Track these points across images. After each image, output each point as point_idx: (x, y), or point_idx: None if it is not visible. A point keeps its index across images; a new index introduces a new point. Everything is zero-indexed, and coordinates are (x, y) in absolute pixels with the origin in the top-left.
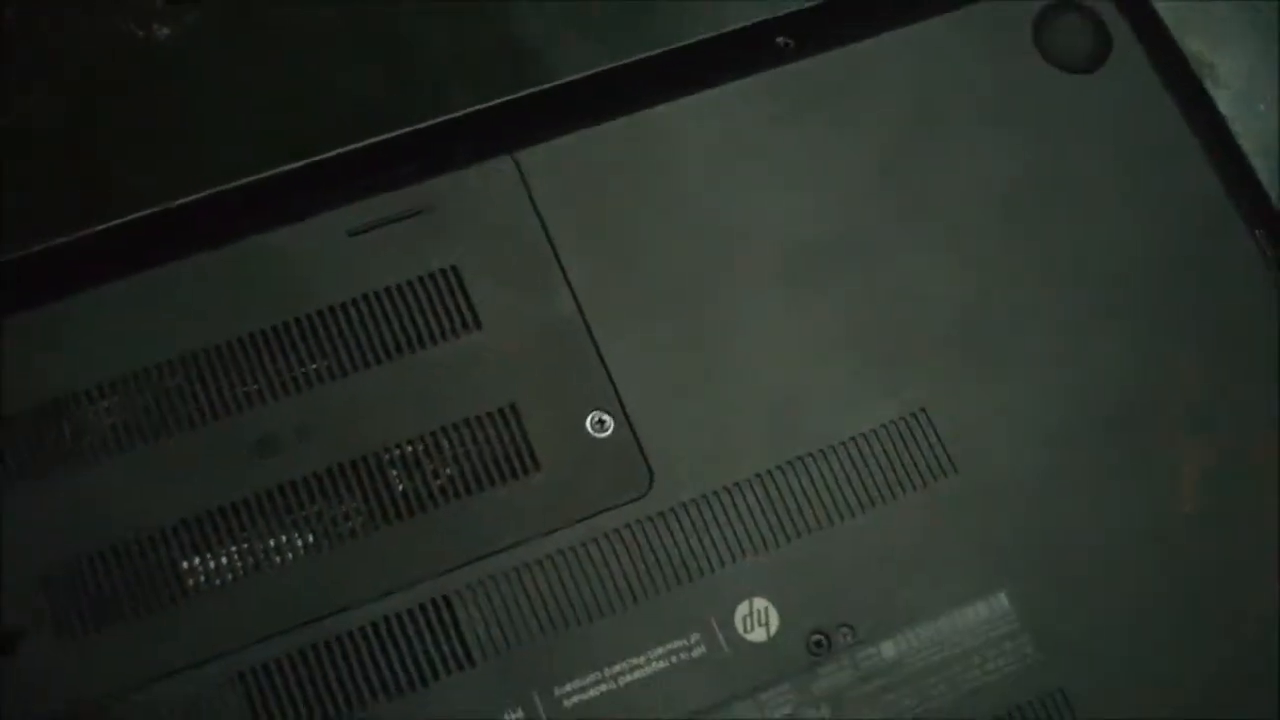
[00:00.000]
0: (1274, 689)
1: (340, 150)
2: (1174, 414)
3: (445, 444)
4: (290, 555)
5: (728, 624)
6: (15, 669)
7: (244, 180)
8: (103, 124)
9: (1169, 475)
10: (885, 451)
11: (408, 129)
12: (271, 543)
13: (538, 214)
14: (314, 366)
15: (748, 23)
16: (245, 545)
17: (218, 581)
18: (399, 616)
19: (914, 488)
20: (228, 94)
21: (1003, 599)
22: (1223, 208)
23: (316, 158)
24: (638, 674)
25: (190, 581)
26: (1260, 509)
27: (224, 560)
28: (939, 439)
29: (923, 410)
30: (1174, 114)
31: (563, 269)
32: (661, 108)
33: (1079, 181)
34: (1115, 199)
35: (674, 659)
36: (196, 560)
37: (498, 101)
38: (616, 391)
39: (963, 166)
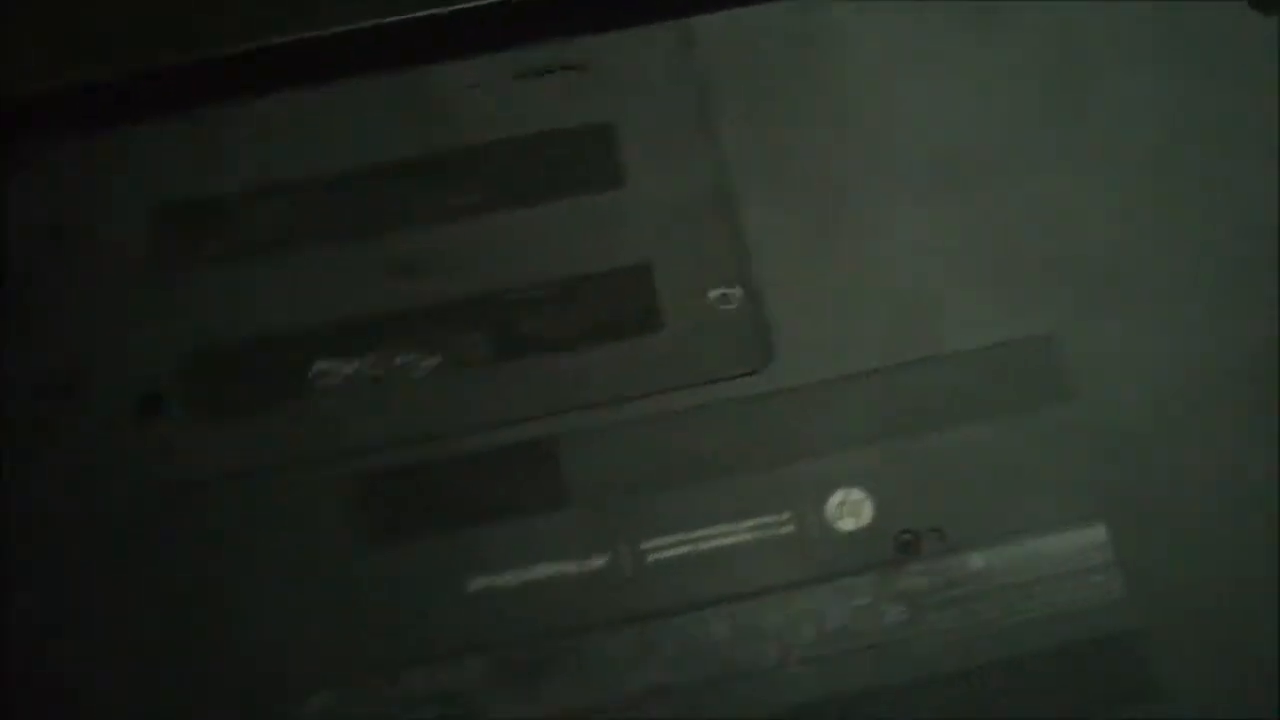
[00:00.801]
0: None
1: None
2: None
3: (574, 293)
4: (413, 375)
5: (820, 509)
6: (149, 434)
7: (422, 13)
8: None
9: None
10: (1005, 369)
11: None
12: (398, 360)
13: (699, 83)
14: (461, 201)
15: None
16: (374, 358)
17: (344, 389)
18: (505, 450)
19: (1027, 409)
20: None
21: (1101, 531)
22: None
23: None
24: (723, 542)
25: (320, 384)
26: None
27: (353, 370)
28: (1062, 365)
29: (1050, 334)
30: None
31: (715, 140)
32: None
33: (1249, 122)
34: None
35: (761, 534)
36: (327, 365)
37: None
38: (749, 267)
39: (1128, 92)
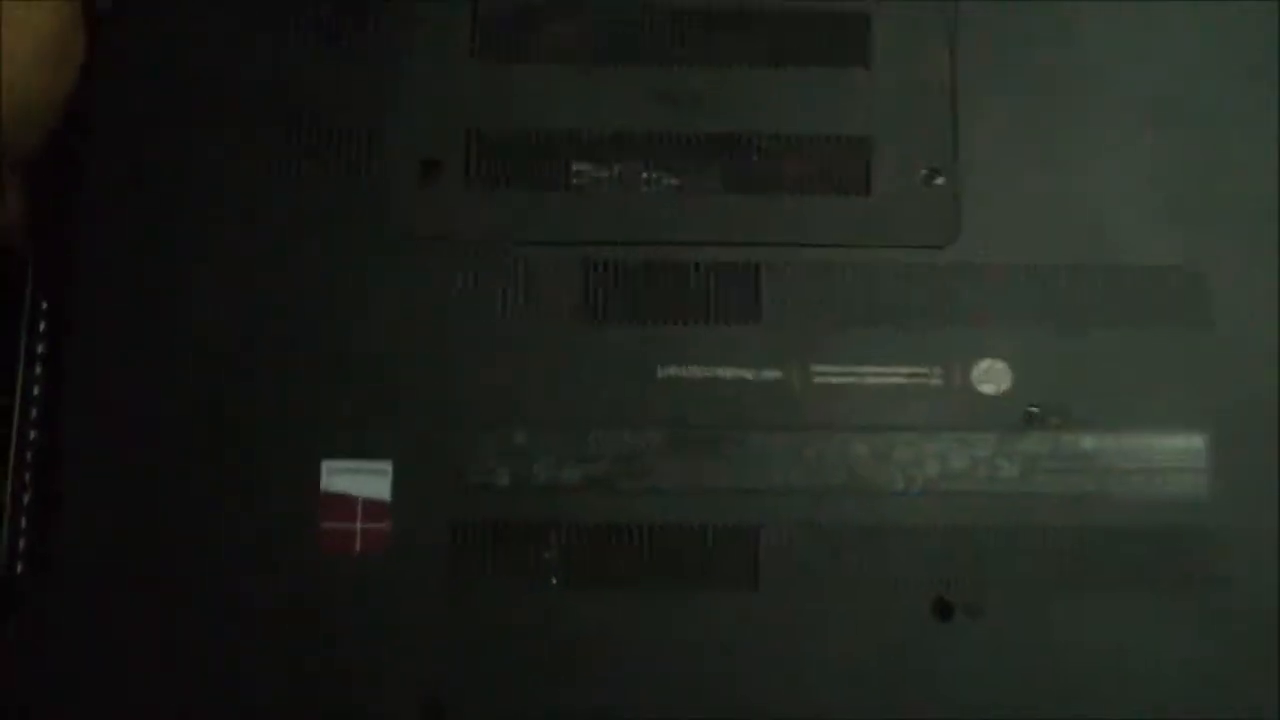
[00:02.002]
0: None
1: None
2: None
3: (804, 148)
4: (655, 189)
5: (967, 371)
6: (430, 194)
7: None
8: None
9: None
10: (1161, 290)
11: None
12: (644, 175)
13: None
14: (730, 54)
15: None
16: (625, 169)
17: (594, 185)
18: (718, 265)
19: (1163, 327)
20: None
21: (1199, 440)
22: None
23: None
24: (880, 380)
25: (575, 180)
26: None
27: (605, 174)
28: (1209, 296)
29: (1204, 269)
30: None
31: (955, 46)
32: None
33: None
34: None
35: (913, 381)
36: (586, 165)
37: None
38: (957, 158)
39: None
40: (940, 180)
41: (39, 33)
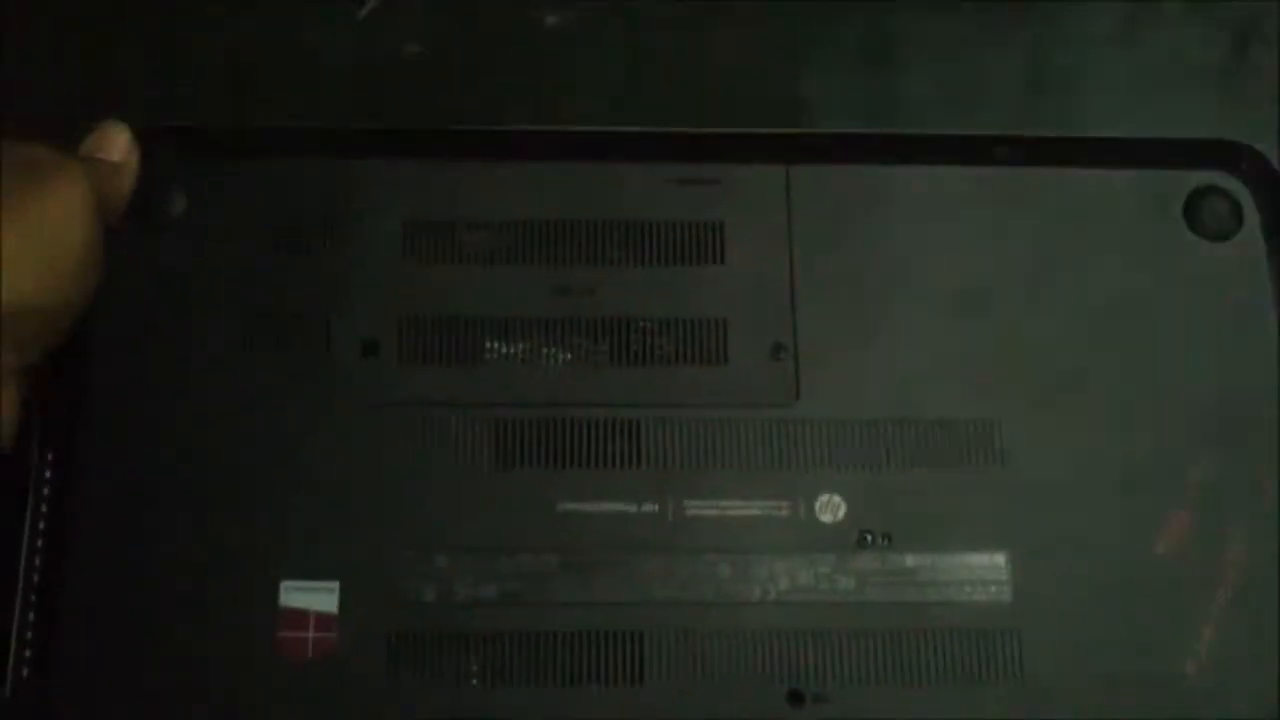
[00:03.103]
0: None
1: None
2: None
3: (673, 330)
4: (552, 363)
5: (810, 504)
6: (370, 368)
7: (617, 129)
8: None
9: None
10: (961, 436)
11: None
12: (545, 350)
13: (789, 206)
14: (612, 255)
15: (980, 133)
16: (527, 346)
17: (504, 360)
18: (603, 422)
19: (970, 466)
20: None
21: (1001, 558)
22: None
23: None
24: (739, 512)
25: (488, 355)
26: None
27: (512, 351)
28: (1002, 443)
29: (999, 419)
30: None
31: (792, 245)
32: (901, 169)
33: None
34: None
35: (765, 512)
36: (497, 343)
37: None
38: (796, 334)
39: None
40: (784, 352)
41: (74, 248)
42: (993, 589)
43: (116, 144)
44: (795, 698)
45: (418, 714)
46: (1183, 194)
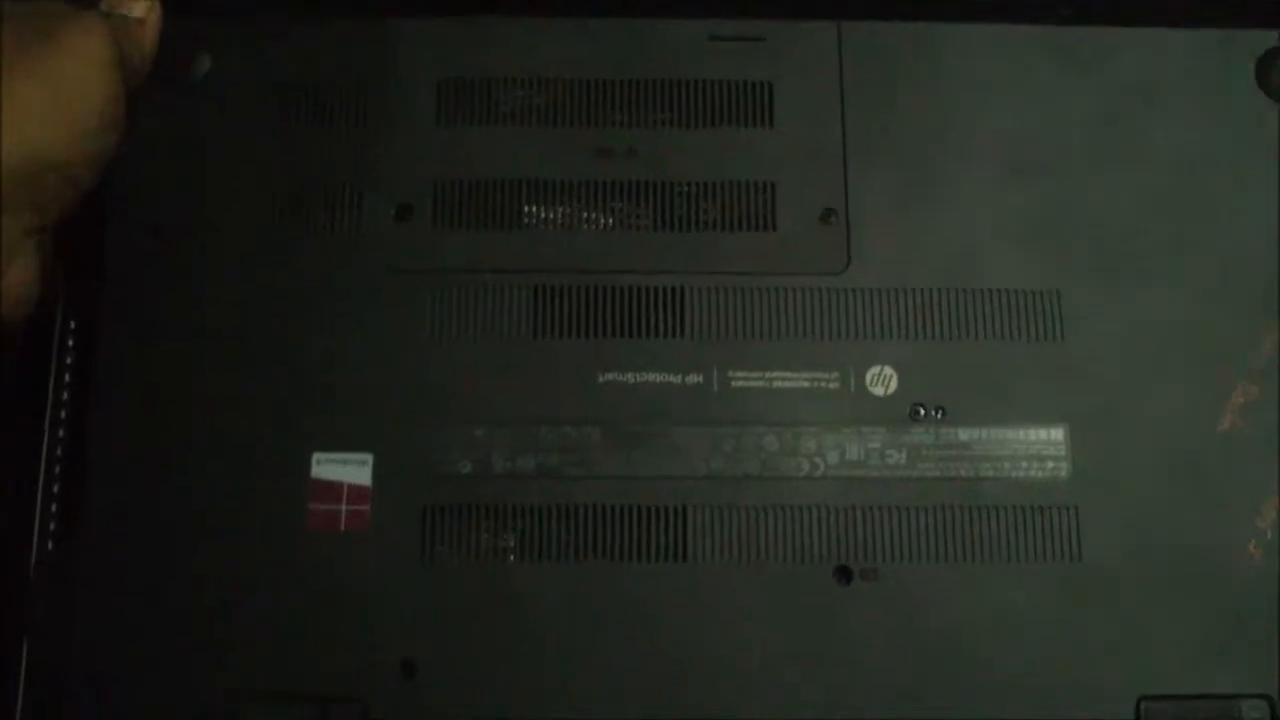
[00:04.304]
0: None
1: None
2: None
3: (718, 194)
4: (594, 226)
5: (860, 376)
6: (404, 233)
7: None
8: None
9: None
10: (1019, 308)
11: None
12: (584, 215)
13: (840, 65)
14: (655, 116)
15: None
16: (567, 211)
17: (542, 225)
18: (646, 289)
19: (1029, 340)
20: None
21: (1061, 432)
22: None
23: None
24: (787, 384)
25: (525, 219)
26: None
27: (550, 214)
28: (1062, 315)
29: (1054, 291)
30: None
31: (842, 107)
32: (959, 26)
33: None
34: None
35: (815, 384)
36: (533, 208)
37: None
38: (848, 199)
39: (1152, 151)
40: (834, 218)
41: (93, 102)
42: (1050, 465)
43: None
44: (843, 574)
45: (452, 589)
46: (1255, 54)
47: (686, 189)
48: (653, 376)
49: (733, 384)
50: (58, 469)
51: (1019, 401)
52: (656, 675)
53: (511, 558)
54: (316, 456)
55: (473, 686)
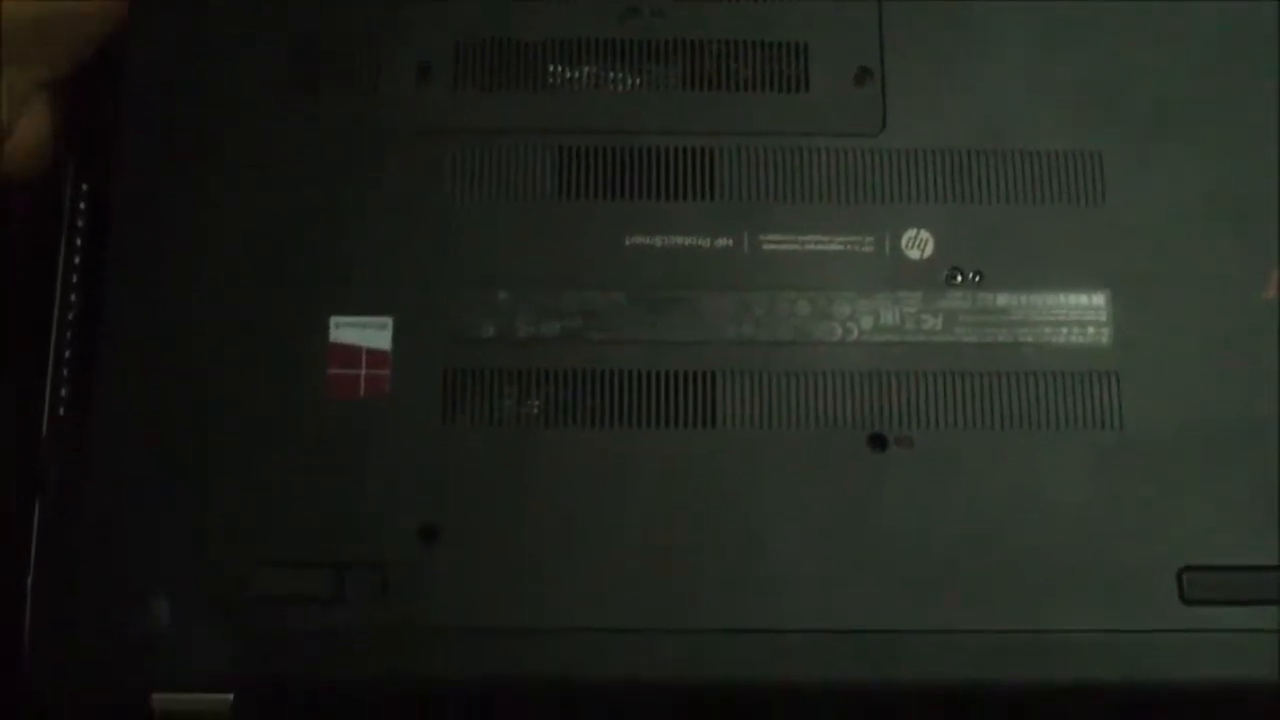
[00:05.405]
0: None
1: None
2: None
3: (750, 53)
4: (621, 86)
5: (896, 239)
6: (424, 94)
7: None
8: None
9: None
10: (1058, 171)
11: None
12: (611, 75)
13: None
14: None
15: None
16: (592, 69)
17: (568, 84)
18: (674, 150)
19: (1070, 202)
20: None
21: (1099, 298)
22: None
23: None
24: (819, 247)
25: (551, 79)
26: None
27: (576, 73)
28: (1105, 177)
29: (1095, 152)
30: None
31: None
32: None
33: None
34: None
35: (849, 247)
36: (558, 67)
37: None
38: (883, 59)
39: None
40: (869, 77)
41: None
42: (1091, 330)
43: None
44: (877, 442)
45: (473, 454)
46: None
47: (716, 48)
48: (681, 240)
49: (764, 247)
50: (69, 334)
51: (1059, 266)
52: (681, 543)
53: (535, 423)
54: (335, 320)
55: (494, 553)
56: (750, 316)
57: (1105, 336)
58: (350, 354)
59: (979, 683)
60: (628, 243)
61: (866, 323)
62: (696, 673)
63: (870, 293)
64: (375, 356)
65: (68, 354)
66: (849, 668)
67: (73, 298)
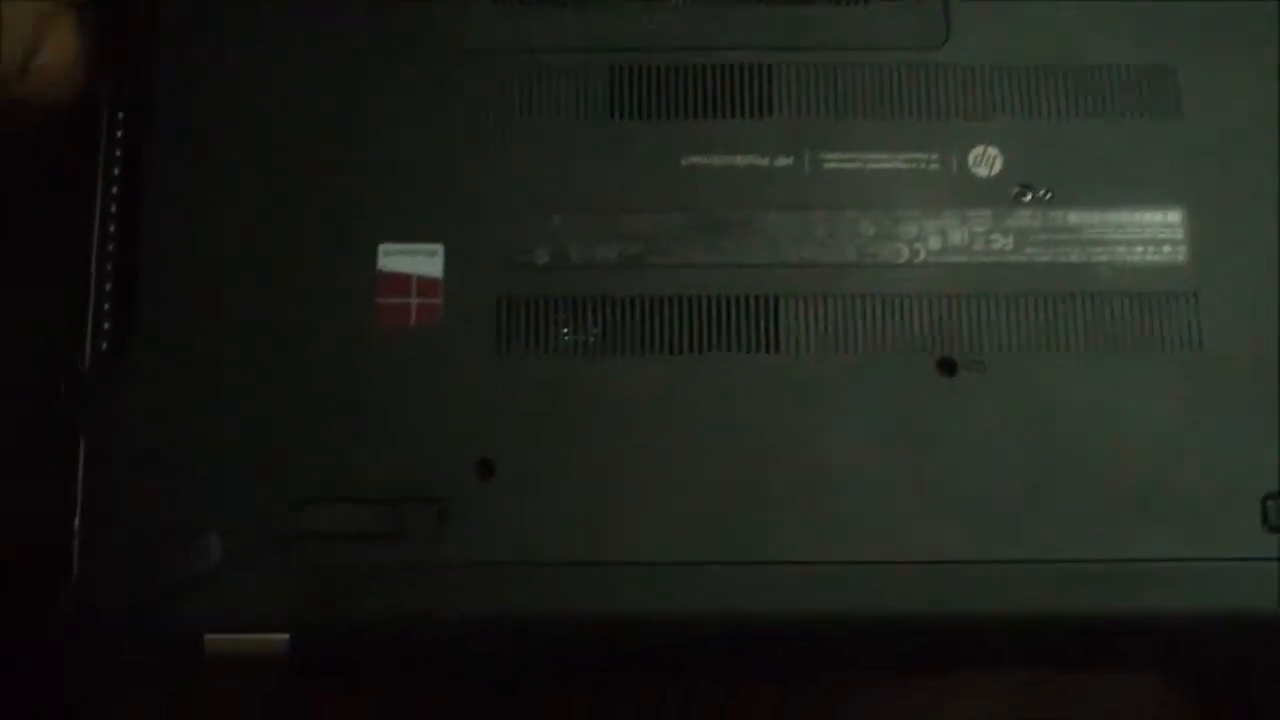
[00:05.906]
0: None
1: None
2: None
3: None
4: (674, 1)
5: (963, 156)
6: (471, 12)
7: None
8: None
9: None
10: (1133, 85)
11: None
12: None
13: None
14: None
15: None
16: None
17: (620, 1)
18: (732, 67)
19: (1144, 116)
20: None
21: (1175, 216)
22: None
23: None
24: (883, 166)
25: None
26: None
27: None
28: (1178, 89)
29: (1169, 66)
30: None
31: None
32: None
33: None
34: None
35: (914, 166)
36: None
37: None
38: None
39: None
40: None
41: None
42: (1166, 249)
43: None
44: (946, 366)
45: (529, 384)
46: None
47: None
48: (739, 159)
49: (825, 166)
50: (109, 266)
51: (1133, 182)
52: (745, 474)
53: (591, 350)
54: (384, 248)
55: (553, 486)
56: (812, 239)
57: (1181, 255)
58: (400, 282)
59: (1055, 614)
60: (684, 163)
61: (934, 243)
62: (761, 606)
63: (937, 212)
64: (426, 284)
65: (109, 286)
66: (920, 600)
67: (112, 229)
